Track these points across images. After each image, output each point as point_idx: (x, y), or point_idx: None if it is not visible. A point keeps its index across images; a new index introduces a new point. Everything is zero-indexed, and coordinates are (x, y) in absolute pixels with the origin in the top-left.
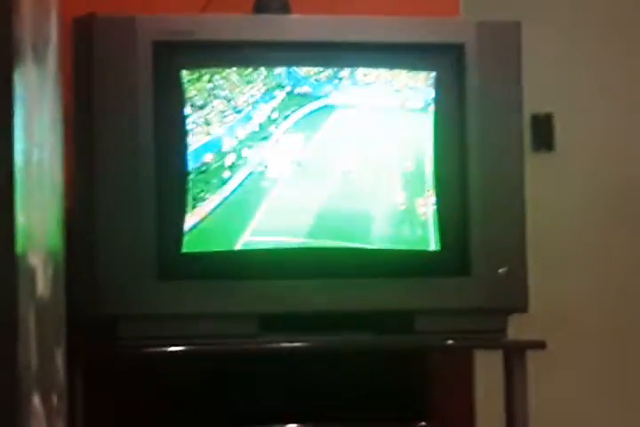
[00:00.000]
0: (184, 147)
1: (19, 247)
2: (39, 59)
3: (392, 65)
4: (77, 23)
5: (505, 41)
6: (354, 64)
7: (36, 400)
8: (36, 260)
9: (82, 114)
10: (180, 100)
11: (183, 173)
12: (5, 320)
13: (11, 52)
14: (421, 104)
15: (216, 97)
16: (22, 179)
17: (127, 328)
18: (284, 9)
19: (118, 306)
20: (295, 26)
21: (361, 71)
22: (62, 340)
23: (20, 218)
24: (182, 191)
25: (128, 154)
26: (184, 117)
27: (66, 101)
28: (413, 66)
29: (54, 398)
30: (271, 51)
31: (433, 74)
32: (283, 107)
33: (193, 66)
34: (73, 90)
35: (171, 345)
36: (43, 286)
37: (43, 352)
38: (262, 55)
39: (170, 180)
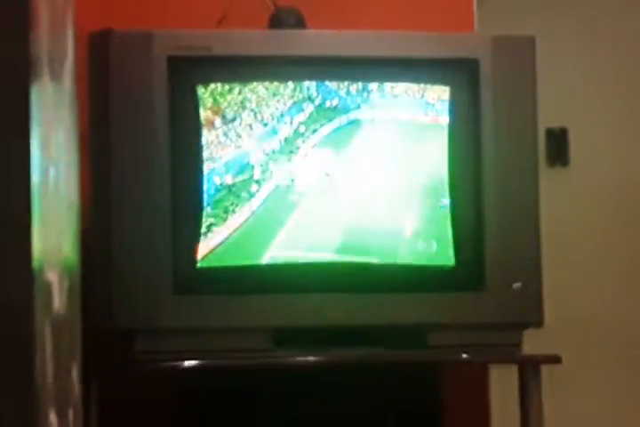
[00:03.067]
0: (200, 162)
1: (35, 263)
2: (56, 76)
3: (406, 80)
4: (93, 38)
5: (519, 56)
6: (368, 79)
7: (52, 416)
8: (52, 276)
9: (98, 130)
10: (196, 116)
11: (200, 189)
12: (22, 336)
13: (27, 69)
14: (436, 119)
15: (233, 112)
16: (39, 196)
17: (143, 343)
18: (299, 24)
19: (134, 320)
20: (310, 41)
21: (377, 86)
22: (78, 355)
23: (37, 234)
24: (199, 207)
25: (144, 169)
26: (200, 133)
27: (81, 117)
28: (428, 81)
29: (70, 414)
30: (287, 66)
31: (447, 89)
32: (311, 121)
33: (209, 81)
34: (89, 105)
35: (186, 360)
36: (59, 301)
37: (59, 368)
38: (278, 70)
39: (186, 195)
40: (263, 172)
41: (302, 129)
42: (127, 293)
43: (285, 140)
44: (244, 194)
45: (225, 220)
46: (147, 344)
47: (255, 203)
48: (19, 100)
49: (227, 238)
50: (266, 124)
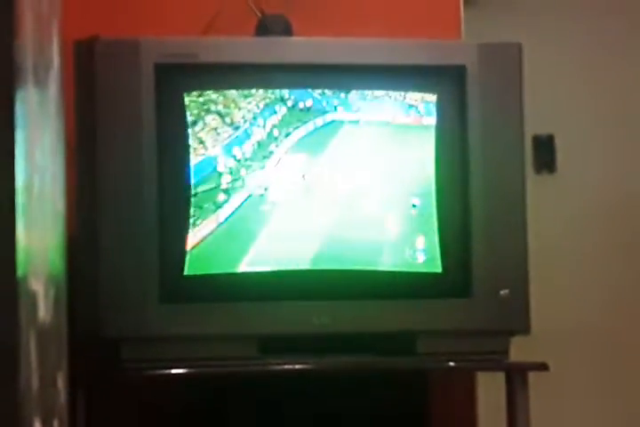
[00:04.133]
0: (187, 170)
1: (20, 272)
2: (41, 83)
3: (394, 87)
4: (80, 46)
5: (506, 63)
6: (356, 86)
7: (37, 425)
8: (37, 284)
9: (84, 137)
10: (184, 123)
11: (186, 197)
12: (6, 344)
13: (12, 76)
14: (423, 125)
15: (219, 118)
16: (24, 204)
17: (130, 351)
18: (286, 31)
19: (121, 329)
20: (297, 48)
21: (363, 92)
22: (64, 363)
23: (21, 242)
24: (184, 215)
25: (131, 177)
26: (187, 140)
27: (69, 124)
28: (415, 88)
29: (56, 423)
30: (274, 73)
31: (434, 96)
32: (284, 124)
33: (196, 88)
34: (75, 112)
35: (173, 368)
36: (44, 310)
37: (44, 376)
38: (265, 77)
39: (172, 203)
40: (235, 178)
41: (276, 133)
42: (114, 301)
43: (259, 144)
44: (211, 204)
45: (202, 229)
46: (133, 353)
47: (228, 211)
48: (3, 107)
49: (211, 246)
50: (238, 129)
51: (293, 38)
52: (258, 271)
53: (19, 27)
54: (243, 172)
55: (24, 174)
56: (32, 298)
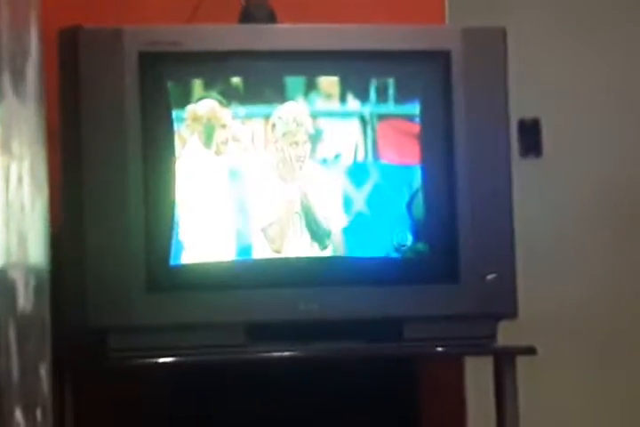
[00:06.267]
0: (172, 157)
1: None
2: (17, 73)
3: (378, 72)
4: (63, 35)
5: (491, 47)
6: (341, 72)
7: (18, 414)
8: (16, 274)
9: (68, 126)
10: (168, 111)
11: (172, 184)
12: None
13: None
14: (408, 110)
15: (203, 107)
16: (0, 195)
17: (116, 340)
18: (270, 18)
19: (107, 318)
20: (281, 35)
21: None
22: (47, 354)
23: None
24: (171, 203)
25: (116, 165)
26: (172, 128)
27: (52, 114)
28: (399, 73)
29: (38, 413)
30: (258, 60)
31: (420, 81)
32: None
33: (179, 76)
34: (59, 102)
35: (160, 357)
36: (24, 299)
37: (25, 367)
38: (251, 65)
39: (158, 191)
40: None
41: (269, 123)
42: (100, 291)
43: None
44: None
45: (189, 218)
46: (120, 342)
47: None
48: None
49: (191, 236)
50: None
51: (277, 26)
52: (244, 259)
53: None
54: None
55: (1, 164)
56: (10, 287)
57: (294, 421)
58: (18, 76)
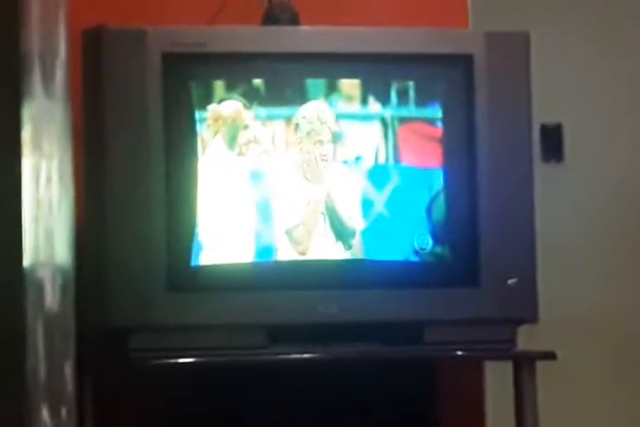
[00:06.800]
0: (194, 159)
1: (26, 260)
2: (47, 73)
3: (401, 76)
4: (87, 35)
5: (514, 51)
6: (364, 75)
7: (45, 413)
8: (44, 273)
9: (92, 127)
10: (190, 112)
11: (194, 185)
12: (14, 333)
13: (19, 65)
14: (429, 114)
15: (228, 108)
16: (30, 192)
17: (137, 340)
18: (293, 20)
19: (128, 318)
20: (305, 37)
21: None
22: (71, 352)
23: (29, 231)
24: (193, 203)
25: (138, 166)
26: (194, 129)
27: (75, 114)
28: (422, 76)
29: (63, 411)
30: (281, 62)
31: (442, 84)
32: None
33: (202, 77)
34: (83, 102)
35: (180, 357)
36: (51, 298)
37: (51, 365)
38: (274, 67)
39: (180, 192)
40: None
41: (291, 125)
42: (121, 291)
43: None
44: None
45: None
46: (141, 342)
47: (246, 201)
48: (10, 96)
49: (214, 236)
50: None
51: (300, 27)
52: (265, 261)
53: (25, 15)
54: None
55: (31, 165)
56: (39, 286)
57: (312, 422)
58: (48, 76)
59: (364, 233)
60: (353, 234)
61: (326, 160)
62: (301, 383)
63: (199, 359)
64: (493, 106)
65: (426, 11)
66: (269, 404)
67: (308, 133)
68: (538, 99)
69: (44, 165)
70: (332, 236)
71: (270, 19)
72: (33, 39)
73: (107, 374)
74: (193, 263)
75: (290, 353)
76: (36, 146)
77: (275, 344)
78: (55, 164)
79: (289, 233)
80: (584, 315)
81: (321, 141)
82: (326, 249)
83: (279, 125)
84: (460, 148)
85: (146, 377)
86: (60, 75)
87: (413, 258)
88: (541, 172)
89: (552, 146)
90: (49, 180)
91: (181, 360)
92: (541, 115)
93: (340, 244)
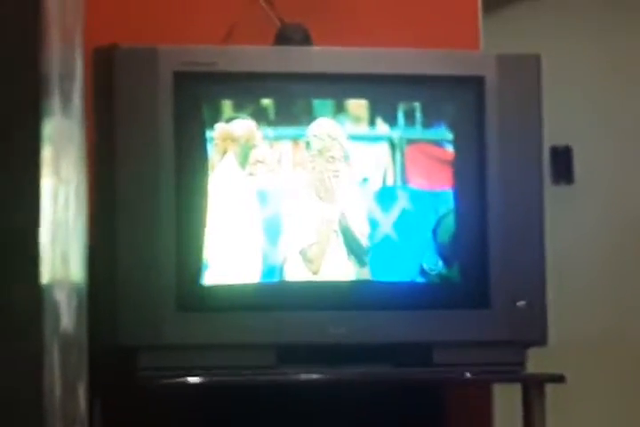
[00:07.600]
0: (205, 178)
1: (44, 282)
2: (66, 94)
3: (412, 97)
4: (99, 53)
5: (525, 74)
6: (375, 96)
7: None
8: (60, 294)
9: (103, 145)
10: (201, 131)
11: (204, 204)
12: (32, 353)
13: (39, 87)
14: (437, 135)
15: (240, 127)
16: (48, 215)
17: (147, 359)
18: (305, 40)
19: (138, 337)
20: (317, 58)
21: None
22: (84, 373)
23: (45, 253)
24: (202, 223)
25: (149, 186)
26: (206, 149)
27: (87, 133)
28: (433, 98)
29: None
30: (293, 82)
31: (453, 106)
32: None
33: (214, 97)
34: (94, 120)
35: (190, 376)
36: (67, 320)
37: (66, 386)
38: (284, 87)
39: (190, 211)
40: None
41: (302, 144)
42: (131, 309)
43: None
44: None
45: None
46: (150, 361)
47: (257, 221)
48: (30, 119)
49: (223, 256)
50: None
51: (312, 48)
52: (275, 281)
53: (45, 39)
54: None
55: (49, 186)
56: (55, 308)
57: None
58: (66, 98)
59: (373, 254)
60: (366, 250)
61: (338, 177)
62: (310, 404)
63: (208, 379)
64: (504, 128)
65: (438, 33)
66: (278, 423)
67: (320, 151)
68: (548, 121)
69: (62, 189)
70: (344, 254)
71: (283, 39)
72: (53, 62)
73: (116, 393)
74: (203, 283)
75: (299, 373)
76: (55, 168)
77: (284, 364)
78: (73, 185)
79: (303, 253)
80: (593, 338)
81: (333, 157)
82: (338, 268)
83: (286, 146)
84: (471, 169)
85: (155, 396)
86: (76, 97)
87: (422, 279)
88: (551, 194)
89: (562, 168)
90: (66, 202)
91: (190, 379)
92: (552, 137)
93: (351, 262)
